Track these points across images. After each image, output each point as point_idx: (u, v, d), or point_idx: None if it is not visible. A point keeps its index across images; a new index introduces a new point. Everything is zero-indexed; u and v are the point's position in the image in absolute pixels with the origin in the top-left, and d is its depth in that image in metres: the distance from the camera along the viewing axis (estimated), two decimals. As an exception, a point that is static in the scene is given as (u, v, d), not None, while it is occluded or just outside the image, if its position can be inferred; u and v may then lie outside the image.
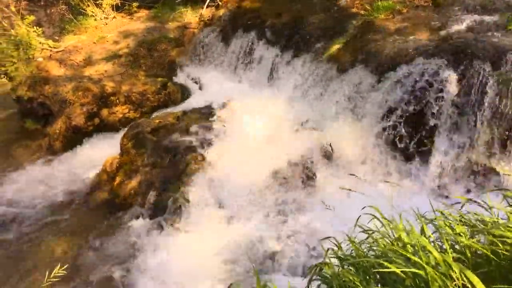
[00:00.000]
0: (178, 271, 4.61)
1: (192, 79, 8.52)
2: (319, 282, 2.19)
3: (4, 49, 8.25)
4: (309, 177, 5.57)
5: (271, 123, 6.17)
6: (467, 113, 4.85)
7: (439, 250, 1.89)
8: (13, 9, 9.05)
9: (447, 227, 2.07)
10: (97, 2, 9.75)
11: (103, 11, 9.88)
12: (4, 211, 6.10)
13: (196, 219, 5.19)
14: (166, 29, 9.46)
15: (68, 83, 7.98)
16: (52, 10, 11.61)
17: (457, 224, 2.07)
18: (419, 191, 5.05)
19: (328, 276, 2.13)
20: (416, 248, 1.89)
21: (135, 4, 10.07)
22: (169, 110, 7.46)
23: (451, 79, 4.93)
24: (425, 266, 1.73)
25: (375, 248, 2.13)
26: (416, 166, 5.25)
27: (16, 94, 8.24)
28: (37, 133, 8.11)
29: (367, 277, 1.99)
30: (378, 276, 1.98)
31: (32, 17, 8.65)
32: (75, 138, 7.62)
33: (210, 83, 8.18)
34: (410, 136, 5.25)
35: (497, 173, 4.66)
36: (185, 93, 8.15)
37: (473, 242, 1.94)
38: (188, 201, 5.29)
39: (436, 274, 1.71)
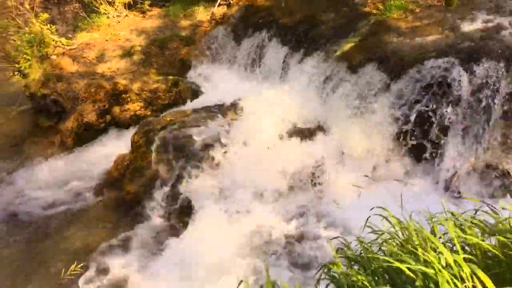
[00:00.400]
0: (193, 265, 4.65)
1: (203, 77, 8.53)
2: (327, 281, 2.19)
3: (19, 46, 8.32)
4: (319, 177, 5.57)
5: (283, 122, 6.16)
6: (481, 114, 4.80)
7: (449, 251, 1.87)
8: (27, 6, 9.16)
9: (457, 228, 2.05)
10: (110, 0, 9.82)
11: (115, 9, 9.93)
12: (16, 207, 6.19)
13: (206, 216, 5.23)
14: (178, 27, 9.50)
15: (81, 80, 8.05)
16: (66, 8, 11.75)
17: (468, 225, 2.05)
18: (431, 192, 5.02)
19: (336, 276, 2.13)
20: (427, 249, 1.88)
21: (147, 2, 10.10)
22: (179, 108, 7.47)
23: (464, 79, 4.88)
24: (436, 265, 1.72)
25: (384, 248, 2.12)
26: (429, 167, 5.22)
27: (29, 91, 8.32)
28: (51, 130, 8.18)
29: (376, 278, 1.98)
30: (387, 276, 1.97)
31: (46, 15, 8.72)
32: (86, 135, 7.67)
33: (221, 81, 8.17)
34: (422, 136, 5.21)
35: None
36: (196, 91, 8.14)
37: (484, 242, 1.92)
38: (197, 197, 5.33)
39: (446, 273, 1.69)
